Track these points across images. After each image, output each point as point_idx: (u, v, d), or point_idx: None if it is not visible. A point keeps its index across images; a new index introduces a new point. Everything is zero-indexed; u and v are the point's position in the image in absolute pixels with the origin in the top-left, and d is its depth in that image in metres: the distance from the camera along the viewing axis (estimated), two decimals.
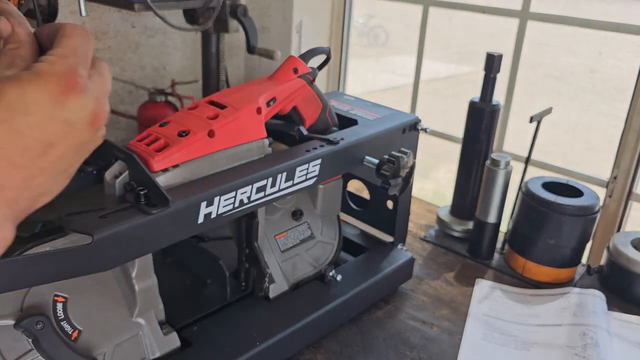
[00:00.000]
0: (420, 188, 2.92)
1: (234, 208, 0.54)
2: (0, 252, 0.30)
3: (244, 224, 0.65)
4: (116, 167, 0.50)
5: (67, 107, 0.30)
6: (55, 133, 0.30)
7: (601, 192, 0.98)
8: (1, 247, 0.30)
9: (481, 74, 0.90)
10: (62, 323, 0.49)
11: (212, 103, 0.59)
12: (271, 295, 0.67)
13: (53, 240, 0.44)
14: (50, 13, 0.63)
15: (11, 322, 0.46)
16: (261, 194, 0.57)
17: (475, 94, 0.93)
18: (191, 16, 1.19)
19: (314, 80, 0.67)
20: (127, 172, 0.49)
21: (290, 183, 0.60)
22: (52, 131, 0.29)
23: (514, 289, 0.84)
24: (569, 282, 0.87)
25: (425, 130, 0.75)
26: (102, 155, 0.49)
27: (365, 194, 0.87)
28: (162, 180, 0.50)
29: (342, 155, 0.65)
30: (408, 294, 0.82)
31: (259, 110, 0.59)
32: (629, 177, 1.04)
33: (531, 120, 0.84)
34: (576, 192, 0.85)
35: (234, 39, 1.56)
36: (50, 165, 0.30)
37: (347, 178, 0.85)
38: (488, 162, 0.87)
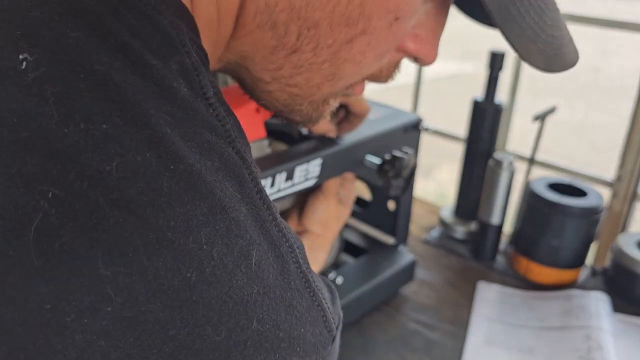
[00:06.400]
0: (423, 188, 2.91)
1: None
2: None
3: None
4: None
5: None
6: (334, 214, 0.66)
7: (606, 193, 0.96)
8: None
9: (484, 72, 0.89)
10: None
11: None
12: None
13: None
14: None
15: None
16: None
17: (479, 93, 0.92)
18: None
19: None
20: None
21: (290, 183, 0.59)
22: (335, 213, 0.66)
23: (517, 291, 0.83)
24: (572, 284, 0.85)
25: (426, 129, 0.74)
26: None
27: (366, 195, 0.86)
28: None
29: (342, 155, 0.64)
30: (410, 296, 0.81)
31: (258, 109, 0.58)
32: (634, 178, 1.03)
33: (535, 119, 0.83)
34: (580, 193, 0.84)
35: None
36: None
37: None
38: (491, 161, 0.86)
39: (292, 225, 0.65)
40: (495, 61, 0.87)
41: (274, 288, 0.25)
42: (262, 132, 0.59)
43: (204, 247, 0.22)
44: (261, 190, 0.27)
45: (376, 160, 0.66)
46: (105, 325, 0.20)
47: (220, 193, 0.24)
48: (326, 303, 0.29)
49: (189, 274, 0.21)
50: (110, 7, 0.24)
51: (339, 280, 0.70)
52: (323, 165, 0.61)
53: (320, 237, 0.64)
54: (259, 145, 0.58)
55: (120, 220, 0.21)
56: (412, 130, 0.72)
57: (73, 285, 0.20)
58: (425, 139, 0.76)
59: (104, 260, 0.20)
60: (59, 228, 0.20)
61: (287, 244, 0.27)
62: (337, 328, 0.30)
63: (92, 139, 0.21)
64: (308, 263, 0.29)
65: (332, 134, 0.63)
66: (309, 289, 0.27)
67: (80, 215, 0.20)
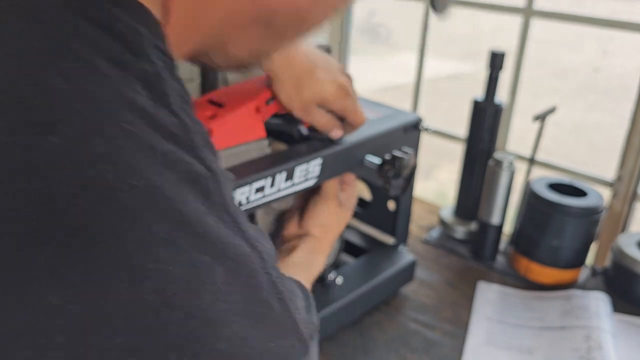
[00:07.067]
0: (423, 188, 2.91)
1: None
2: None
3: None
4: None
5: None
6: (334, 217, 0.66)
7: (606, 193, 0.96)
8: None
9: (484, 72, 0.89)
10: None
11: (210, 102, 0.58)
12: None
13: None
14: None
15: None
16: (260, 195, 0.56)
17: (479, 93, 0.91)
18: None
19: None
20: None
21: (290, 183, 0.59)
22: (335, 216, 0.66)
23: (517, 291, 0.83)
24: (572, 284, 0.85)
25: (426, 129, 0.74)
26: None
27: (366, 195, 0.86)
28: None
29: (342, 155, 0.64)
30: (410, 296, 0.81)
31: (257, 109, 0.58)
32: (634, 178, 1.03)
33: (535, 119, 0.83)
34: (580, 193, 0.84)
35: None
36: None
37: None
38: (491, 162, 0.86)
39: (292, 227, 0.65)
40: (495, 61, 0.87)
41: (242, 303, 0.24)
42: (262, 131, 0.59)
43: (169, 267, 0.21)
44: (226, 203, 0.25)
45: (376, 160, 0.66)
46: (60, 357, 0.19)
47: (183, 208, 0.22)
48: (299, 313, 0.28)
49: (150, 298, 0.20)
50: (67, 15, 0.23)
51: (339, 280, 0.70)
52: (323, 165, 0.61)
53: (320, 240, 0.64)
54: (259, 145, 0.58)
55: (74, 242, 0.19)
56: (412, 130, 0.72)
57: (19, 317, 0.19)
58: (425, 139, 0.76)
59: (53, 288, 0.19)
60: (12, 251, 0.19)
61: (256, 255, 0.26)
62: (312, 337, 0.29)
63: (43, 154, 0.20)
64: (279, 271, 0.28)
65: (337, 130, 0.62)
66: (279, 301, 0.26)
67: (30, 236, 0.19)
